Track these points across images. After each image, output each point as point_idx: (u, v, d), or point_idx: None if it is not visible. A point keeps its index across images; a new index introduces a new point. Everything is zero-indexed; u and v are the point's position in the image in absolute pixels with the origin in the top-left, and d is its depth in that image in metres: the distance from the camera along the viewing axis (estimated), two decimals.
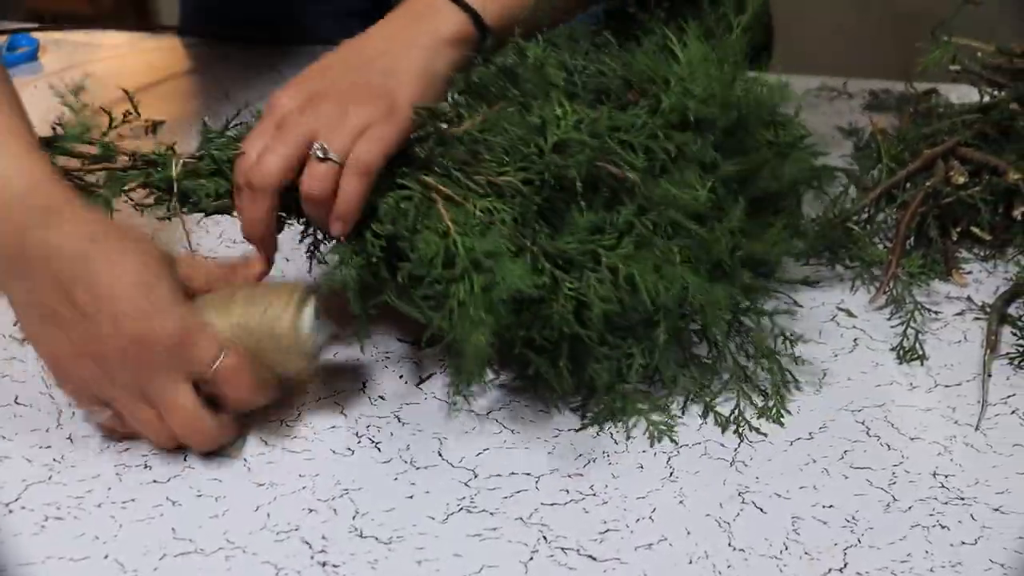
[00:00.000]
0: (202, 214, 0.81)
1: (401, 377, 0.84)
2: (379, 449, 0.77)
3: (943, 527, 0.72)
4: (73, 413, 0.79)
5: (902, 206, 1.00)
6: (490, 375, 0.83)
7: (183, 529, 0.70)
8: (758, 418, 0.80)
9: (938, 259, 0.98)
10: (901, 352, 0.88)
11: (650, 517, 0.72)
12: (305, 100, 0.79)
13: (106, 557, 0.68)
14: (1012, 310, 0.93)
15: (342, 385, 0.83)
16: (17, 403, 0.79)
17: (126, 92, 0.82)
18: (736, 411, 0.80)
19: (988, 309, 0.93)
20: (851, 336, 0.90)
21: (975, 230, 1.00)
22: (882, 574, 0.69)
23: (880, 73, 1.32)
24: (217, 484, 0.74)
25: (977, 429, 0.81)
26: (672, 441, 0.78)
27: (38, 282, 0.72)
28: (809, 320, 0.90)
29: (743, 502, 0.74)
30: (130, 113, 0.83)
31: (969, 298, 0.95)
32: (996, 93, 1.08)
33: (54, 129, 0.80)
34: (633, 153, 0.80)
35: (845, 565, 0.69)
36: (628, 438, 0.78)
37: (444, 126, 0.81)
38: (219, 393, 0.74)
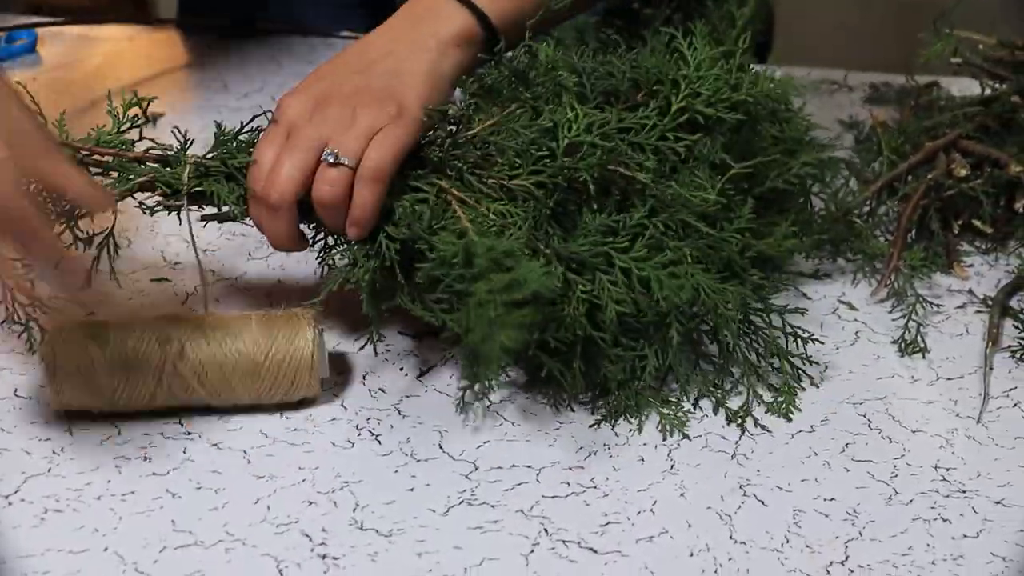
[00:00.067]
0: (201, 211, 0.81)
1: (401, 370, 0.84)
2: (379, 442, 0.77)
3: (944, 520, 0.72)
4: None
5: (903, 199, 1.00)
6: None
7: (183, 521, 0.70)
8: (767, 414, 0.80)
9: (940, 252, 0.98)
10: (903, 345, 0.88)
11: (651, 510, 0.72)
12: (313, 104, 0.79)
13: (106, 549, 0.68)
14: (1014, 303, 0.93)
15: (342, 378, 0.82)
16: (16, 395, 0.79)
17: (135, 94, 0.82)
18: (745, 406, 0.80)
19: (990, 302, 0.93)
20: (853, 329, 0.90)
21: (977, 223, 1.00)
22: (883, 567, 0.69)
23: (880, 66, 1.32)
24: (217, 476, 0.74)
25: (979, 422, 0.81)
26: (684, 436, 0.78)
27: None
28: (811, 313, 0.90)
29: (744, 495, 0.74)
30: (138, 112, 0.82)
31: (971, 291, 0.95)
32: (998, 86, 1.08)
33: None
34: (643, 155, 0.80)
35: (846, 558, 0.69)
36: (640, 432, 0.78)
37: (454, 128, 0.81)
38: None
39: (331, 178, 0.77)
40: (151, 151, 0.81)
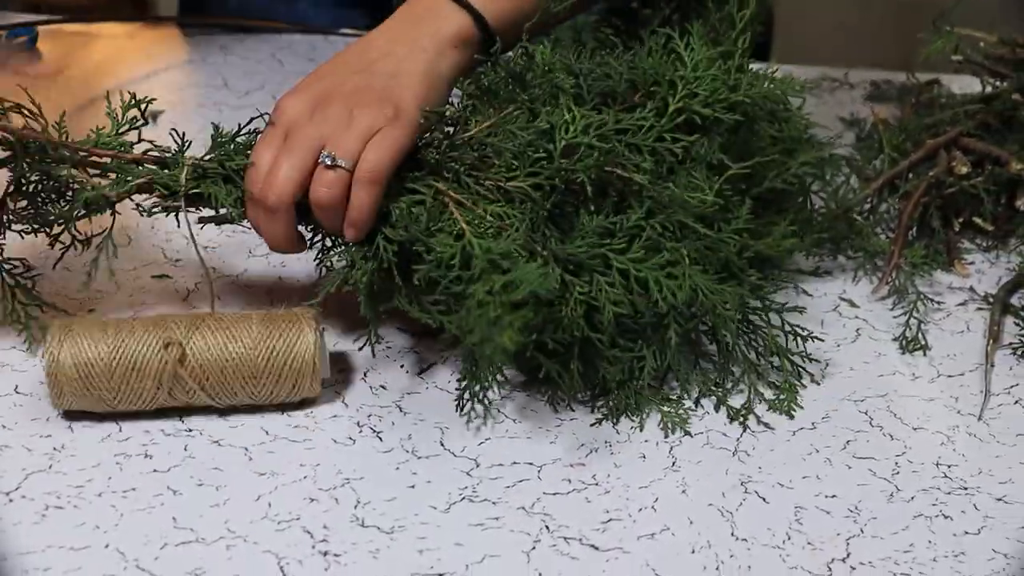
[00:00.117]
0: (199, 213, 0.81)
1: (402, 367, 0.84)
2: (380, 438, 0.77)
3: (946, 517, 0.72)
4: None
5: (904, 196, 1.00)
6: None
7: (184, 518, 0.70)
8: (769, 411, 0.80)
9: (940, 249, 0.98)
10: (904, 342, 0.88)
11: (652, 507, 0.72)
12: (311, 105, 0.79)
13: (107, 546, 0.68)
14: (1015, 300, 0.93)
15: (343, 375, 0.82)
16: (17, 392, 0.79)
17: (133, 96, 0.82)
18: (747, 404, 0.80)
19: (991, 299, 0.93)
20: (854, 326, 0.90)
21: (977, 220, 1.00)
22: (885, 564, 0.69)
23: (881, 64, 1.32)
24: (218, 473, 0.73)
25: (980, 419, 0.81)
26: (686, 432, 0.78)
27: None
28: (811, 310, 0.90)
29: (746, 492, 0.74)
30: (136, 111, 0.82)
31: (972, 288, 0.95)
32: (998, 83, 1.08)
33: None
34: (641, 156, 0.80)
35: (848, 555, 0.69)
36: (641, 429, 0.78)
37: (451, 130, 0.81)
38: None
39: (328, 180, 0.77)
40: (149, 152, 0.81)
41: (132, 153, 0.81)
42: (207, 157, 0.81)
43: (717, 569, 0.68)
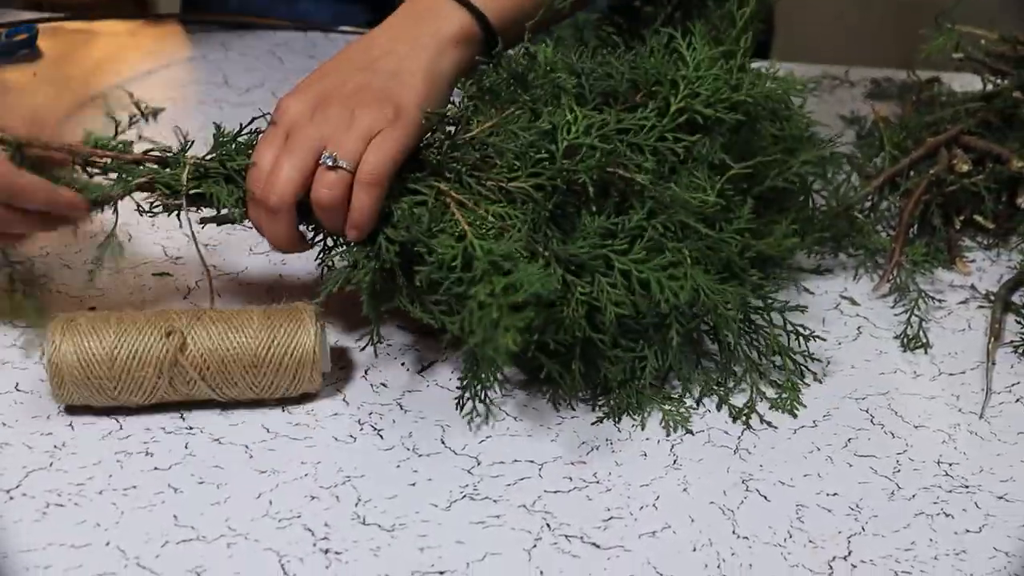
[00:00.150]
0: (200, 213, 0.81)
1: (403, 365, 0.84)
2: (381, 436, 0.77)
3: (947, 515, 0.72)
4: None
5: (905, 194, 1.00)
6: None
7: (185, 516, 0.70)
8: (771, 410, 0.80)
9: (941, 247, 0.98)
10: (905, 340, 0.88)
11: (654, 505, 0.72)
12: (312, 105, 0.79)
13: (107, 544, 0.68)
14: (1016, 298, 0.93)
15: (344, 372, 0.82)
16: (18, 390, 0.79)
17: (131, 96, 0.82)
18: (749, 403, 0.80)
19: (992, 297, 0.93)
20: (855, 324, 0.90)
21: (978, 218, 1.00)
22: (886, 562, 0.69)
23: (881, 62, 1.32)
24: (219, 471, 0.73)
25: (981, 417, 0.81)
26: (687, 431, 0.78)
27: None
28: (813, 309, 0.90)
29: (747, 490, 0.74)
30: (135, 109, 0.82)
31: (973, 286, 0.95)
32: (999, 81, 1.08)
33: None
34: (642, 156, 0.80)
35: (849, 553, 0.69)
36: (642, 427, 0.78)
37: (452, 130, 0.81)
38: None
39: (330, 181, 0.76)
40: (150, 152, 0.81)
41: (133, 153, 0.81)
42: (208, 157, 0.81)
43: (718, 567, 0.68)
